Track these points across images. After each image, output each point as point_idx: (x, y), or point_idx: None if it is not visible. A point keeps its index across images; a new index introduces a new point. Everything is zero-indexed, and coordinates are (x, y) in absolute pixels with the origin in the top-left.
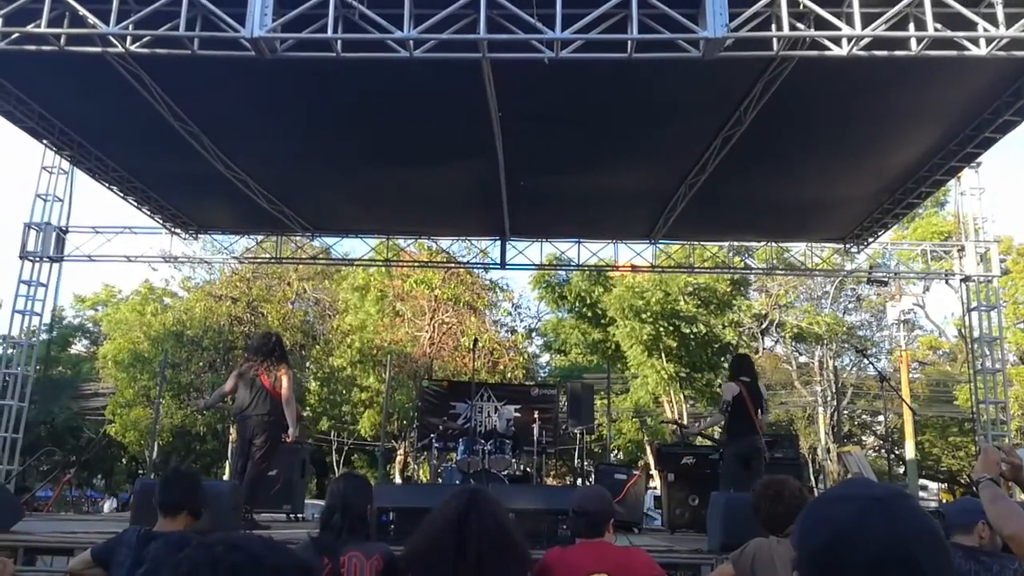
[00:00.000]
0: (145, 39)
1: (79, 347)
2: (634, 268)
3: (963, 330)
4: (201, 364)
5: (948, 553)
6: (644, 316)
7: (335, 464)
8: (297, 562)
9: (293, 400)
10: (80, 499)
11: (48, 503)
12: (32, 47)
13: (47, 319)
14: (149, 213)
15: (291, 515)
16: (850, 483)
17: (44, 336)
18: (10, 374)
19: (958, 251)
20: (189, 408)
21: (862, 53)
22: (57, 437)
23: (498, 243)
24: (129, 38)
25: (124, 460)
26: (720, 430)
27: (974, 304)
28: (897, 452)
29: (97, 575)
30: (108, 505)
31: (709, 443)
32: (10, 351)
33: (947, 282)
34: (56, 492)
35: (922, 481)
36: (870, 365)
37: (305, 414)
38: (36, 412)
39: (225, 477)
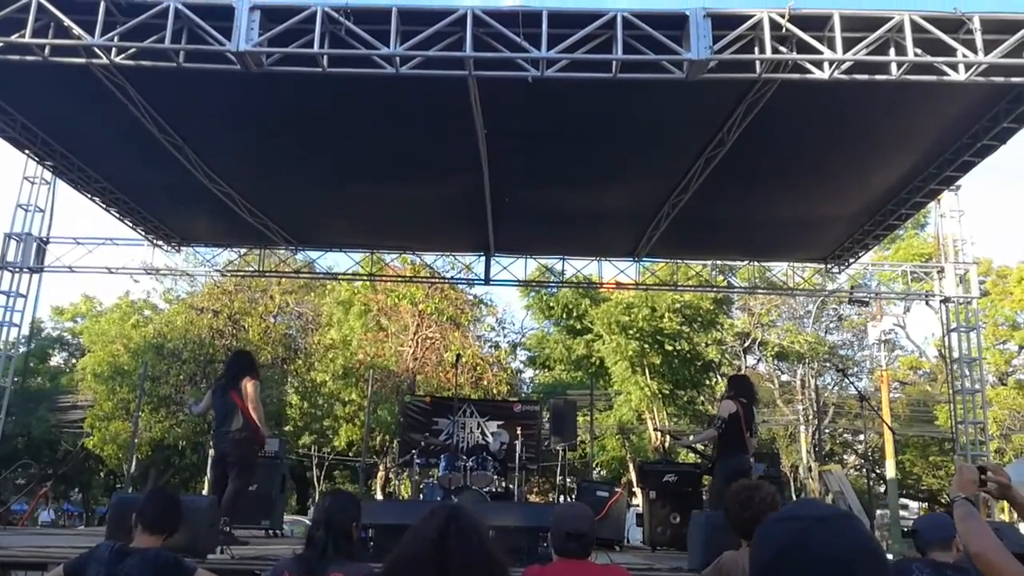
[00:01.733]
0: (130, 51)
1: (58, 359)
2: (619, 285)
3: (943, 350)
4: (181, 377)
5: (887, 570)
6: (630, 332)
7: (316, 479)
8: None
9: (259, 405)
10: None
11: (23, 516)
12: (16, 57)
13: (25, 331)
14: (131, 225)
15: (270, 531)
16: (798, 504)
17: (22, 348)
18: None
19: (938, 272)
20: (170, 421)
21: (843, 77)
22: (34, 449)
23: (482, 259)
24: (114, 49)
25: (102, 474)
26: (710, 445)
27: (954, 325)
28: (878, 471)
29: None
30: (44, 515)
31: (693, 460)
32: None
33: (927, 303)
34: (32, 506)
35: (903, 500)
36: (851, 385)
37: (287, 428)
38: (13, 424)
39: (204, 492)
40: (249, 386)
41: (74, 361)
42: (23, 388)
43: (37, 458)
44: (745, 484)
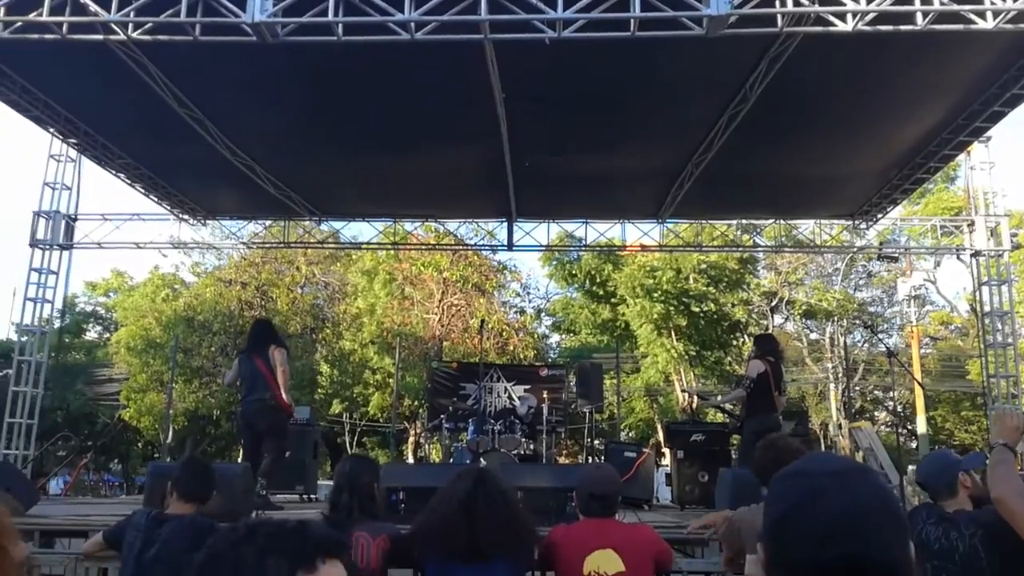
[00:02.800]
0: (147, 26)
1: (92, 334)
2: (643, 248)
3: (974, 305)
4: (212, 348)
5: (903, 527)
6: (655, 295)
7: (347, 445)
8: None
9: (287, 373)
10: (98, 483)
11: (66, 487)
12: (35, 35)
13: (59, 306)
14: (157, 200)
15: (304, 496)
16: (811, 458)
17: (57, 323)
18: (24, 361)
19: (968, 226)
20: (203, 391)
21: (867, 28)
22: (73, 423)
23: (505, 224)
24: (131, 25)
25: (140, 444)
26: (738, 405)
27: (985, 278)
28: (909, 427)
29: (109, 556)
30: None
31: (721, 419)
32: (23, 339)
33: (958, 257)
34: (73, 477)
35: None
36: (880, 341)
37: (317, 396)
38: (51, 399)
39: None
40: (277, 354)
41: (108, 335)
42: (59, 363)
43: (76, 431)
44: (772, 440)
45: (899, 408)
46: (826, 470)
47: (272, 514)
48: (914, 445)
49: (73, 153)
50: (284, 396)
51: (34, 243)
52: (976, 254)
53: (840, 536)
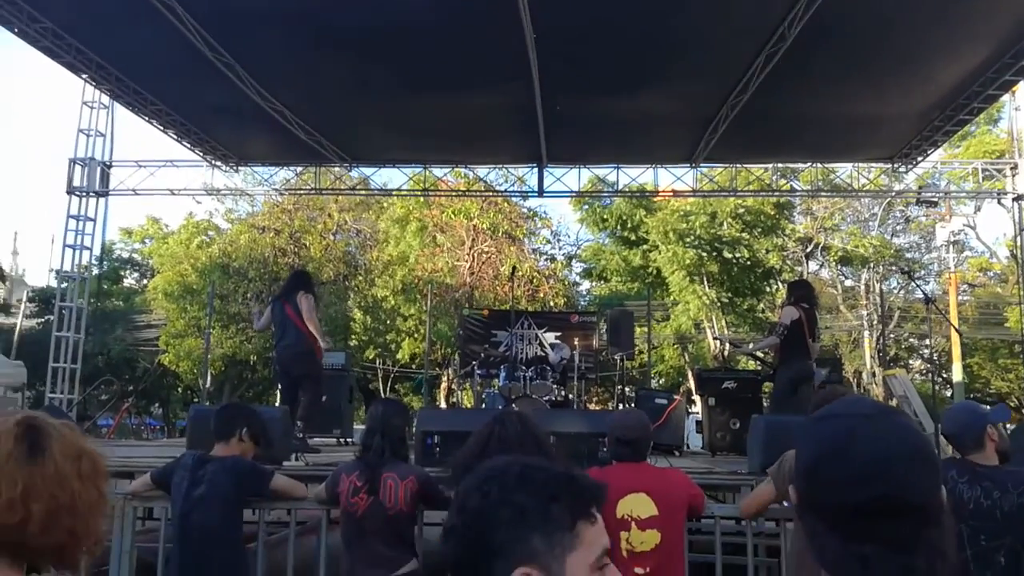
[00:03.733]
0: None
1: (129, 280)
2: (675, 193)
3: (1015, 251)
4: (248, 295)
5: (935, 469)
6: (688, 240)
7: (381, 391)
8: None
9: (314, 319)
10: (139, 427)
11: (110, 431)
12: None
13: (97, 252)
14: (189, 146)
15: (341, 439)
16: (841, 401)
17: (95, 270)
18: (65, 307)
19: (1011, 169)
20: (240, 337)
21: None
22: (114, 368)
23: (535, 170)
24: None
25: (180, 389)
26: (771, 352)
27: None
28: (944, 375)
29: (156, 495)
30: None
31: (753, 366)
32: (64, 285)
33: (999, 202)
34: (116, 420)
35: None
36: (917, 288)
37: (351, 343)
38: (92, 344)
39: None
40: (303, 300)
41: (145, 281)
42: (99, 309)
43: (117, 375)
44: (833, 389)
45: (935, 356)
46: (858, 412)
47: (311, 457)
48: (949, 394)
49: (106, 99)
50: (319, 341)
51: (71, 190)
52: (1019, 198)
53: (873, 478)
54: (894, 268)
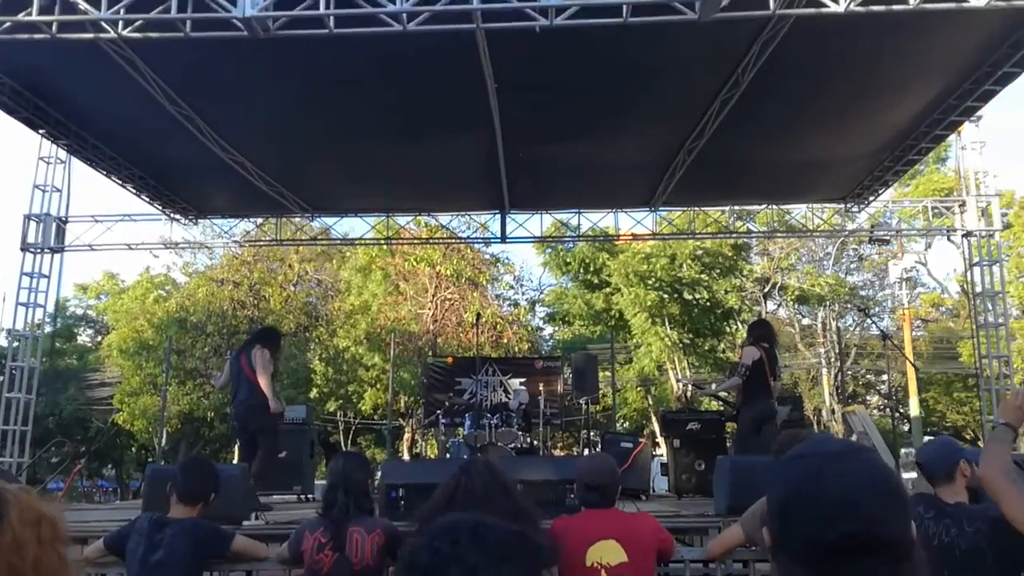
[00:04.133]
0: (137, 23)
1: (84, 337)
2: (635, 236)
3: (965, 286)
4: (206, 349)
5: (904, 504)
6: (649, 282)
7: (342, 444)
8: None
9: (267, 376)
10: (92, 489)
11: (60, 494)
12: (24, 36)
13: (51, 310)
14: (148, 200)
15: (302, 495)
16: (812, 441)
17: (48, 328)
18: (16, 367)
19: (959, 206)
20: (197, 393)
21: (859, 9)
22: (66, 428)
23: (498, 216)
24: (121, 22)
25: (134, 449)
26: (734, 392)
27: (976, 259)
28: (902, 410)
29: (110, 562)
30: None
31: (716, 407)
32: (15, 344)
33: (949, 238)
34: (67, 483)
35: (927, 438)
36: (873, 325)
37: (312, 395)
38: (44, 404)
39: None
40: (258, 355)
41: (100, 339)
42: (51, 368)
43: (69, 436)
44: (795, 432)
45: (892, 391)
46: (825, 451)
47: (272, 514)
48: (907, 428)
49: (63, 154)
50: (269, 397)
51: (25, 247)
52: (968, 234)
53: (843, 516)
54: (850, 306)
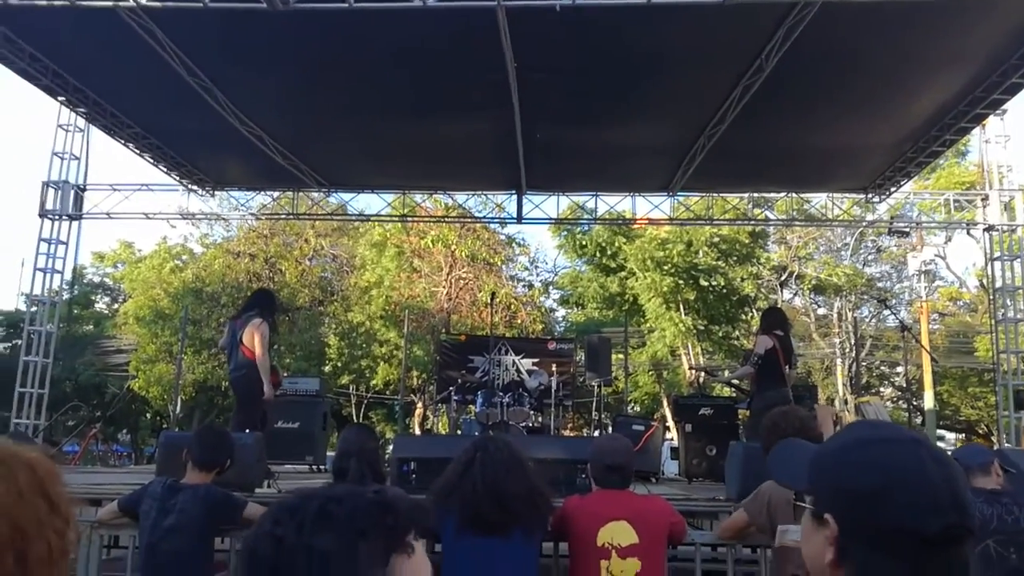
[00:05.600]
0: None
1: (100, 305)
2: (652, 221)
3: (984, 280)
4: (221, 320)
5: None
6: (665, 268)
7: (354, 417)
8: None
9: (266, 357)
10: (107, 453)
11: (75, 457)
12: (43, 2)
13: (68, 276)
14: (165, 170)
15: (313, 466)
16: (876, 425)
17: (66, 294)
18: (35, 331)
19: (982, 200)
20: (212, 363)
21: None
22: (82, 393)
23: (514, 197)
24: None
25: (148, 415)
26: (747, 381)
27: (997, 254)
28: (916, 403)
29: (123, 523)
30: None
31: (729, 394)
32: (33, 309)
33: (969, 232)
34: (83, 447)
35: (940, 431)
36: (890, 316)
37: (326, 369)
38: (60, 369)
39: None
40: (255, 329)
41: (117, 306)
42: (69, 333)
43: (85, 401)
44: (788, 410)
45: (906, 383)
46: (910, 437)
47: (283, 483)
48: (920, 420)
49: (82, 123)
50: (264, 381)
51: (43, 213)
52: (989, 228)
53: (948, 505)
54: (867, 297)
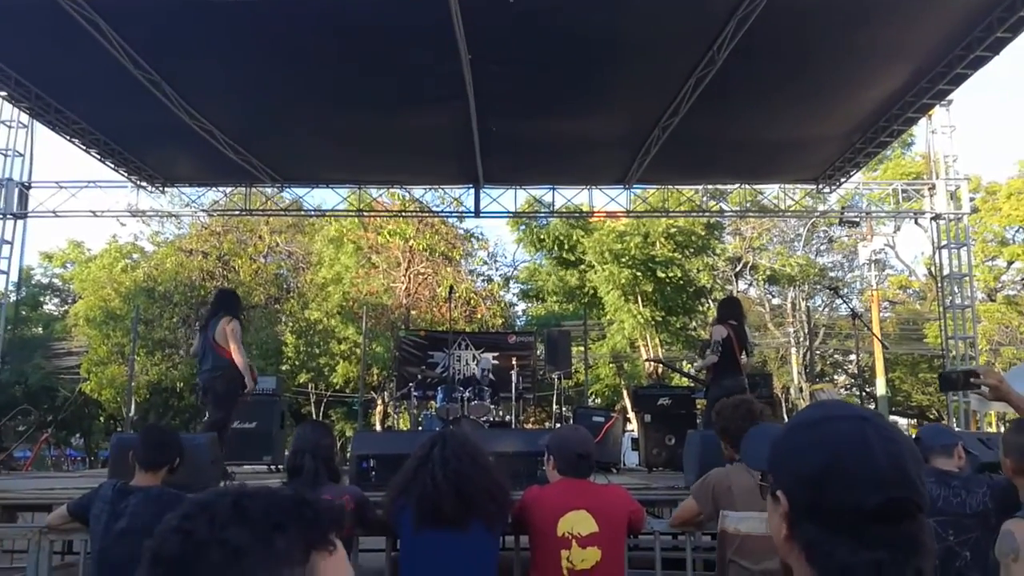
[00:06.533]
0: None
1: (49, 306)
2: (609, 214)
3: (933, 268)
4: (174, 319)
5: (923, 470)
6: (623, 260)
7: (313, 416)
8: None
9: (241, 351)
10: (59, 458)
11: (27, 463)
12: None
13: (15, 278)
14: (113, 166)
15: (272, 466)
16: (827, 404)
17: (13, 296)
18: None
19: (928, 190)
20: (166, 364)
21: None
22: (32, 397)
23: (472, 191)
24: None
25: (102, 418)
26: (704, 371)
27: (944, 242)
28: (868, 389)
29: (74, 528)
30: None
31: (687, 384)
32: None
33: (916, 221)
34: (34, 452)
35: (893, 417)
36: (842, 305)
37: (283, 367)
38: (9, 373)
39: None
40: (227, 327)
41: (66, 307)
42: (17, 336)
43: (36, 405)
44: (742, 399)
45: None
46: (857, 414)
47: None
48: (873, 407)
49: (25, 118)
50: (244, 374)
51: None
52: (936, 217)
53: (891, 480)
54: (820, 286)
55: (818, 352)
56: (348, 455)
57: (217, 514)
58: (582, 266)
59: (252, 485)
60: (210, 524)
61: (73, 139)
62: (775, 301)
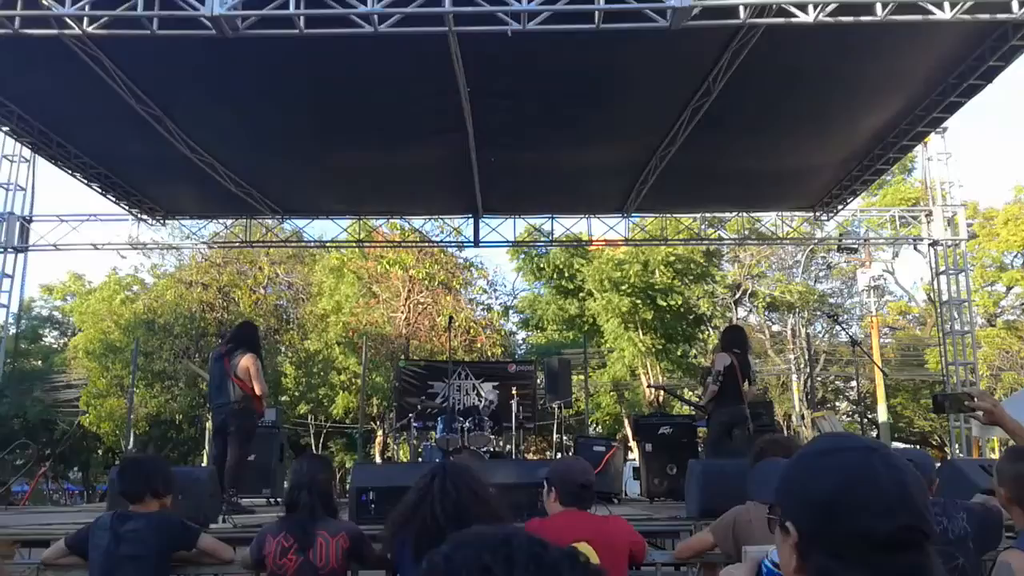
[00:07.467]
0: (103, 19)
1: (49, 339)
2: (608, 242)
3: (932, 294)
4: (174, 352)
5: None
6: (622, 288)
7: (313, 448)
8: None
9: (264, 387)
10: (57, 492)
11: (24, 497)
12: None
13: (15, 310)
14: (115, 200)
15: (271, 499)
16: (835, 436)
17: (13, 328)
18: None
19: (926, 216)
20: (165, 396)
21: (828, 19)
22: (31, 430)
23: (471, 221)
24: (86, 19)
25: (100, 451)
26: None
27: (942, 268)
28: (870, 416)
29: (71, 563)
30: None
31: (688, 412)
32: None
33: (915, 247)
34: (32, 486)
35: (895, 443)
36: (842, 331)
37: (283, 399)
38: (8, 406)
39: (203, 464)
40: (248, 361)
41: (66, 340)
42: (16, 369)
43: (34, 438)
44: (773, 438)
45: (860, 397)
46: (862, 445)
47: (240, 518)
48: (875, 433)
49: (27, 152)
50: (264, 401)
51: None
52: (934, 244)
53: (898, 508)
54: (819, 313)
55: (819, 379)
56: (348, 487)
57: (516, 558)
58: (582, 294)
59: (511, 529)
60: (507, 564)
61: (75, 173)
62: (775, 328)
